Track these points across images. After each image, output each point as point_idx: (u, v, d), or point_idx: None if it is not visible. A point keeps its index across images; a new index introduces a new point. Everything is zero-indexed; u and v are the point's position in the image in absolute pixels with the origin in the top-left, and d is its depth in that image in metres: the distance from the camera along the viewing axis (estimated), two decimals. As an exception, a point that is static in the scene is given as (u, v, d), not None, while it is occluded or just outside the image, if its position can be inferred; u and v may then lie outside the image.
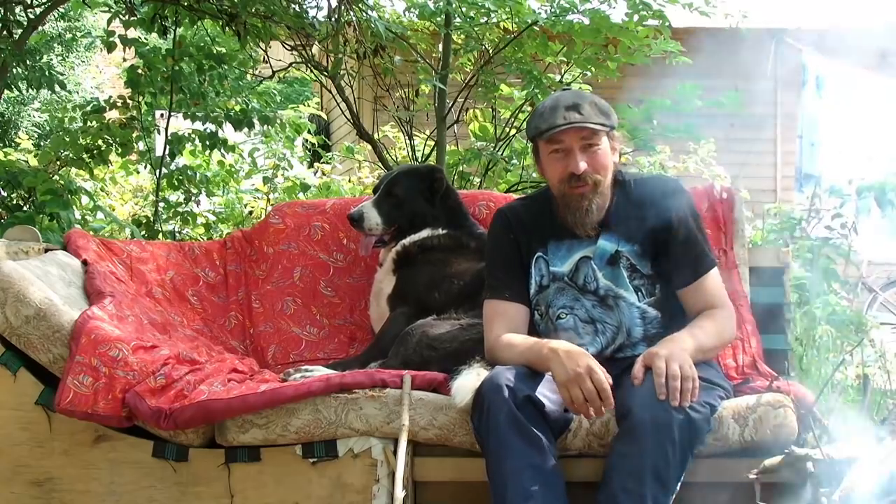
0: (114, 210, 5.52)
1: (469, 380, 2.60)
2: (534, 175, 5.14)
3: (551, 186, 2.75)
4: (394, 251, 3.28)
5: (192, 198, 5.29)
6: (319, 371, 2.84)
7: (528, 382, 2.50)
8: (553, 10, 4.74)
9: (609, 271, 2.71)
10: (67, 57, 10.88)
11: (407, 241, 3.27)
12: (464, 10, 4.83)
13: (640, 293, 2.71)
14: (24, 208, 4.57)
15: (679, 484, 2.43)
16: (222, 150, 5.12)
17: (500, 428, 2.44)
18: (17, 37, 4.47)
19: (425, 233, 3.27)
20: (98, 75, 11.84)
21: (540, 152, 2.75)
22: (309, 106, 6.57)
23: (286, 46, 4.86)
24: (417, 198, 3.29)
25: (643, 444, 2.39)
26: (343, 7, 4.50)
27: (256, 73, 5.39)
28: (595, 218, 2.70)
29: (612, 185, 2.74)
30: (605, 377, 2.44)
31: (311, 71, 4.99)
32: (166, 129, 5.00)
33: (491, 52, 4.96)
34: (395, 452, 2.58)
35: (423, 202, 3.29)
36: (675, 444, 2.39)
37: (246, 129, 5.06)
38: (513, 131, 5.13)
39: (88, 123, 4.84)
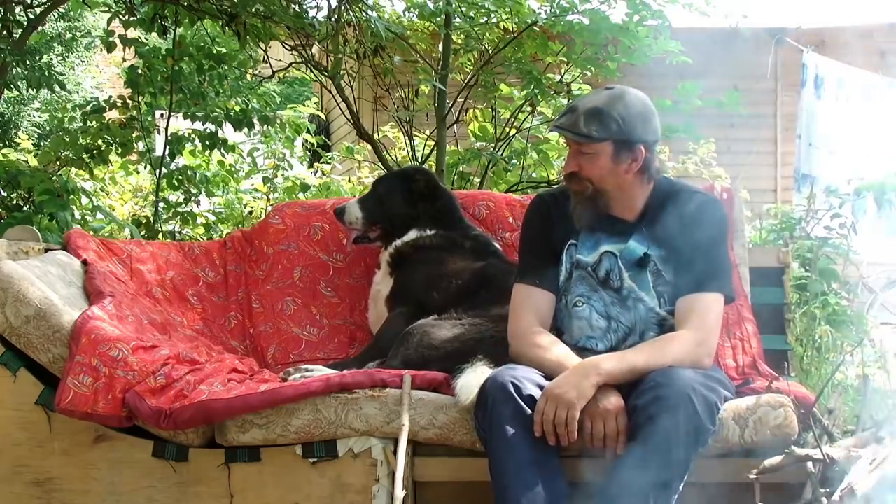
0: (113, 210, 5.52)
1: (473, 378, 2.60)
2: (534, 175, 5.14)
3: None
4: (387, 253, 3.29)
5: (192, 198, 5.29)
6: (319, 371, 2.84)
7: (534, 381, 2.51)
8: (553, 10, 4.74)
9: (635, 273, 2.71)
10: (67, 57, 10.88)
11: (399, 242, 3.28)
12: (464, 10, 4.83)
13: (662, 300, 2.69)
14: (24, 208, 4.57)
15: (682, 484, 2.42)
16: (222, 150, 5.11)
17: (504, 422, 2.44)
18: (17, 37, 4.47)
19: (414, 234, 3.28)
20: (98, 75, 11.83)
21: None
22: (309, 106, 6.57)
23: (286, 46, 4.86)
24: (395, 197, 3.31)
25: (645, 444, 2.38)
26: (343, 7, 4.49)
27: (256, 73, 5.38)
28: (588, 219, 2.70)
29: (643, 187, 2.71)
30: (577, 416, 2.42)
31: (311, 71, 4.98)
32: (166, 129, 4.99)
33: (491, 52, 4.95)
34: (395, 452, 2.57)
35: (401, 202, 3.30)
36: (678, 445, 2.38)
37: (246, 129, 5.06)
38: (513, 131, 5.13)
39: (88, 123, 4.84)
